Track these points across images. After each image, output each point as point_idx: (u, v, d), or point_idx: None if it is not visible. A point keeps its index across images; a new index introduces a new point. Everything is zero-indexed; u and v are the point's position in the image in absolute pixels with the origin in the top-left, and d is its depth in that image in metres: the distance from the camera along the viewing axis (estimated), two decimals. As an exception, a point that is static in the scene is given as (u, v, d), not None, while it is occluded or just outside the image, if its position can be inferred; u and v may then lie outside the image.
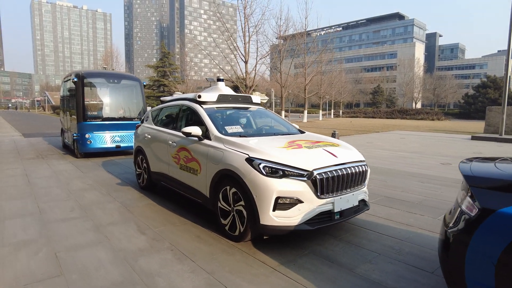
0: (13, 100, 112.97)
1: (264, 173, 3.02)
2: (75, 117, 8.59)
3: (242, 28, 18.15)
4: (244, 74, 18.42)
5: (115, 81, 8.92)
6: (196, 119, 4.28)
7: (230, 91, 4.82)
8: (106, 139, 8.55)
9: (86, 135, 8.33)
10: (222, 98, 4.49)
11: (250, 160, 3.13)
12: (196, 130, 3.82)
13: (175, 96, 5.18)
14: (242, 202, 3.19)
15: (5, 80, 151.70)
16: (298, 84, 26.04)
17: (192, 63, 38.26)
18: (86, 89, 8.48)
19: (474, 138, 14.70)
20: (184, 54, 39.26)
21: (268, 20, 49.06)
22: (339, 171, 3.22)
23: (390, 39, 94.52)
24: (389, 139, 14.54)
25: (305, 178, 3.02)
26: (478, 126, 27.08)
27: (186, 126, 4.45)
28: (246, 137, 3.74)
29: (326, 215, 3.16)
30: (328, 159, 3.29)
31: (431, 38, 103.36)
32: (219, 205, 3.52)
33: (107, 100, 8.79)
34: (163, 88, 48.01)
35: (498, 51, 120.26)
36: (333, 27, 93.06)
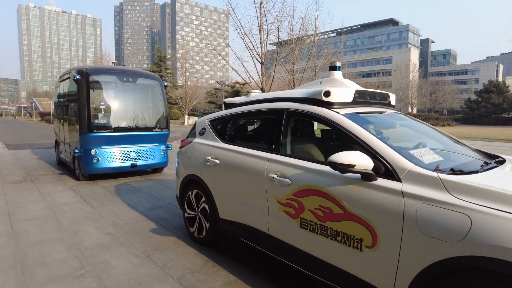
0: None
1: None
2: (76, 127, 6.51)
3: (258, 26, 16.39)
4: (261, 77, 16.60)
5: (130, 79, 6.86)
6: (320, 136, 2.35)
7: (355, 85, 2.86)
8: (118, 156, 6.49)
9: (92, 150, 6.27)
10: (359, 97, 2.55)
11: None
12: (365, 160, 1.85)
13: (255, 96, 3.19)
14: None
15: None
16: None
17: (184, 69, 36.28)
18: (92, 90, 6.42)
19: (526, 146, 13.10)
20: (182, 57, 37.23)
21: (283, 19, 46.48)
22: None
23: (385, 45, 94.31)
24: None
25: None
26: (499, 132, 25.95)
27: (295, 144, 2.52)
28: (462, 174, 1.81)
29: None
30: None
31: (424, 44, 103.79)
32: (450, 333, 1.57)
33: (120, 104, 6.71)
34: (158, 94, 45.78)
35: (487, 57, 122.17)
36: (327, 33, 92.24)
